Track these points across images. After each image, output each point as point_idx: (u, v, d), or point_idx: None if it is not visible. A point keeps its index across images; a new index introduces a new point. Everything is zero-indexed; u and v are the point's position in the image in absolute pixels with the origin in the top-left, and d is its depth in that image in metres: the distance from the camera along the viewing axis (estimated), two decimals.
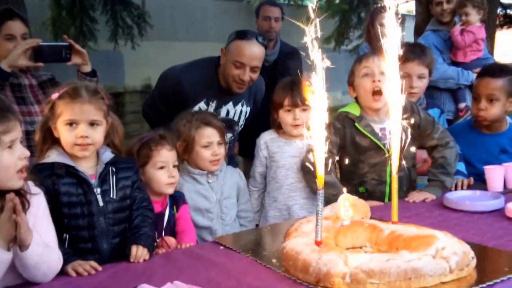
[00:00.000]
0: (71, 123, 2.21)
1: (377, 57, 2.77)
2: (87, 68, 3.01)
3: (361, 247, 2.04)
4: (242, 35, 3.41)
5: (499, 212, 2.59)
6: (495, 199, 2.70)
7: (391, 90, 2.06)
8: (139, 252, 2.15)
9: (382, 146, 2.93)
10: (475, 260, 1.82)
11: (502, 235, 2.27)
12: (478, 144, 3.41)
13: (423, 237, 1.88)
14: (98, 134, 2.26)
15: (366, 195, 2.96)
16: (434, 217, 2.61)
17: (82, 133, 2.21)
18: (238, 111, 3.61)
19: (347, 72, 3.08)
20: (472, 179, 3.22)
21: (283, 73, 3.68)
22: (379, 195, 3.00)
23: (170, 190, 2.64)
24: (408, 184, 3.10)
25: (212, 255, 2.18)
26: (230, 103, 3.57)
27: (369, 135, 2.95)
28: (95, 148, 2.29)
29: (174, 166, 2.64)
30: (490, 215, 2.58)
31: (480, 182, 3.25)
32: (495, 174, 3.08)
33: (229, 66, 3.37)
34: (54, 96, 2.24)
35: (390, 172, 2.81)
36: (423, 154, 3.35)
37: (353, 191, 2.92)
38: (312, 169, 1.87)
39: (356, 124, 2.97)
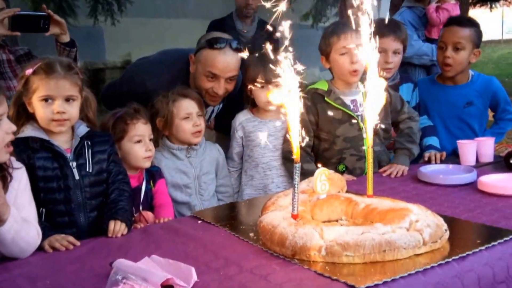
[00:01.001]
0: (46, 99, 2.16)
1: (355, 33, 2.72)
2: (66, 38, 2.89)
3: (337, 220, 2.02)
4: (213, 43, 2.97)
5: (472, 186, 2.59)
6: (467, 173, 2.70)
7: (367, 66, 2.03)
8: (117, 227, 2.12)
9: (355, 117, 2.90)
10: (448, 233, 1.81)
11: (474, 208, 2.26)
12: (442, 97, 3.45)
13: (397, 210, 1.86)
14: (74, 109, 2.21)
15: (346, 173, 2.94)
16: (408, 190, 2.60)
17: (59, 108, 2.16)
18: (209, 112, 3.33)
19: None
20: (444, 153, 3.22)
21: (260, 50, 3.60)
22: (360, 172, 2.97)
23: (147, 164, 2.60)
24: (387, 158, 3.09)
25: (189, 229, 2.15)
26: None
27: (340, 107, 2.92)
28: (71, 123, 2.24)
29: (150, 140, 2.60)
30: (463, 188, 2.58)
31: (452, 155, 3.27)
32: (468, 149, 3.08)
33: (200, 78, 3.01)
34: (28, 71, 2.17)
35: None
36: None
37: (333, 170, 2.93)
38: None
39: (326, 99, 2.94)
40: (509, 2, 14.61)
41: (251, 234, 2.00)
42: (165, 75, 3.09)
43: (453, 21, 3.46)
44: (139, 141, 2.56)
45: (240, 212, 2.46)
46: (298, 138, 1.85)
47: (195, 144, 2.87)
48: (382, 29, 3.14)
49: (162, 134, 2.83)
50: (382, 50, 3.14)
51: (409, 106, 3.19)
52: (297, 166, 1.83)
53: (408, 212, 1.81)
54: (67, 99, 2.18)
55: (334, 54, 2.90)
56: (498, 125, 3.51)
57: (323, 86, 2.99)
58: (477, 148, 3.10)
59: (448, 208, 2.27)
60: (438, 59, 3.47)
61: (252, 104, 3.09)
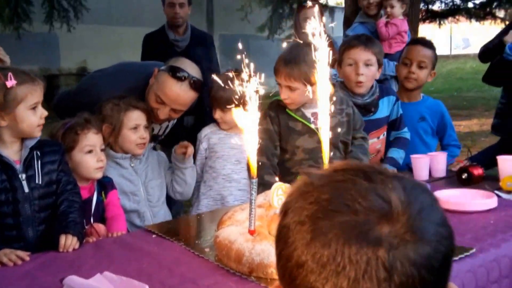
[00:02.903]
0: (35, 107, 2.11)
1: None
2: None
3: None
4: (174, 72, 2.82)
5: None
6: None
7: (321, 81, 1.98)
8: (68, 241, 2.01)
9: (315, 130, 2.87)
10: None
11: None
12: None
13: None
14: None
15: None
16: None
17: (45, 113, 2.15)
18: (164, 127, 3.20)
19: None
20: (395, 170, 3.20)
21: (194, 61, 3.47)
22: None
23: (99, 175, 2.49)
24: None
25: (143, 243, 2.06)
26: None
27: (300, 119, 2.87)
28: None
29: (101, 150, 2.50)
30: None
31: (407, 170, 3.26)
32: (421, 163, 3.07)
33: (150, 95, 2.87)
34: (11, 83, 2.03)
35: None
36: (376, 145, 3.32)
37: (291, 181, 2.88)
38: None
39: (287, 110, 2.89)
40: (457, 19, 15.12)
41: (207, 250, 1.92)
42: (120, 90, 2.93)
43: (418, 41, 3.64)
44: (90, 152, 2.45)
45: (196, 226, 2.37)
46: (255, 155, 1.79)
47: (138, 155, 2.80)
48: (350, 41, 3.15)
49: (106, 142, 2.72)
50: (353, 62, 3.12)
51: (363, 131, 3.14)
52: (254, 181, 1.77)
53: None
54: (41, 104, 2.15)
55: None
56: (448, 151, 3.52)
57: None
58: (429, 163, 3.11)
59: None
60: (401, 74, 3.53)
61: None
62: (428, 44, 3.54)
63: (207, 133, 3.01)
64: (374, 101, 3.26)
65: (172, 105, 2.84)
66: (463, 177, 2.95)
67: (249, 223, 1.79)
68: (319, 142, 2.87)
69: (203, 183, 2.99)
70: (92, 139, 2.47)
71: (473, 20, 14.11)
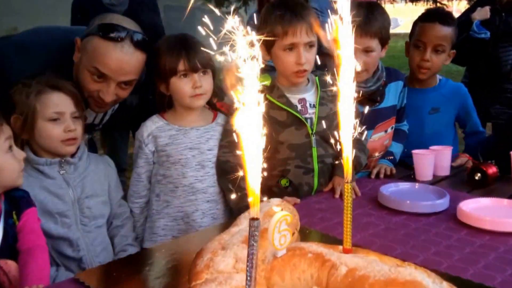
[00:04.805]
0: None
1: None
2: None
3: None
4: (107, 31, 2.07)
5: (446, 214, 1.96)
6: (440, 197, 2.05)
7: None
8: None
9: (303, 120, 2.18)
10: None
11: (472, 255, 1.61)
12: (407, 100, 2.78)
13: (401, 284, 1.15)
14: None
15: (290, 190, 2.21)
16: (375, 223, 1.88)
17: None
18: (101, 114, 2.45)
19: None
20: (394, 169, 2.57)
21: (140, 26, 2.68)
22: (307, 190, 2.25)
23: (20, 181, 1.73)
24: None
25: None
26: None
27: (284, 106, 2.19)
28: None
29: (9, 148, 1.69)
30: (438, 218, 1.93)
31: (402, 166, 2.65)
32: (426, 161, 2.46)
33: (84, 74, 2.12)
34: None
35: (317, 156, 2.22)
36: (384, 140, 2.65)
37: (273, 186, 2.20)
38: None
39: (268, 96, 2.19)
40: (394, 0, 15.18)
41: None
42: (34, 63, 2.14)
43: (434, 17, 2.82)
44: None
45: (152, 269, 1.55)
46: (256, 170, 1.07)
47: (70, 155, 2.02)
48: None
49: (21, 139, 1.93)
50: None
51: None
52: (256, 224, 1.04)
53: None
54: None
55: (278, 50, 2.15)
56: (471, 139, 2.94)
57: (265, 80, 2.22)
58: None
59: (440, 256, 1.60)
60: (412, 59, 2.84)
61: (166, 105, 2.25)
62: (447, 20, 2.79)
63: (152, 130, 2.20)
64: (380, 88, 2.57)
65: (117, 77, 2.09)
66: (476, 178, 2.39)
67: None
68: (308, 136, 2.21)
69: (155, 198, 2.22)
70: None
71: (408, 2, 14.24)
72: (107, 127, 2.70)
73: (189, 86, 2.12)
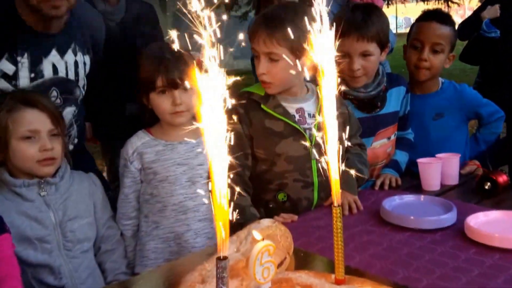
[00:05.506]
0: None
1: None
2: None
3: None
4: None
5: (453, 229, 1.81)
6: (447, 211, 1.90)
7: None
8: None
9: (302, 131, 2.04)
10: None
11: (482, 277, 1.46)
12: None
13: None
14: None
15: (288, 205, 2.08)
16: (377, 241, 1.74)
17: None
18: (71, 63, 2.18)
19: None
20: (399, 179, 2.42)
21: (135, 41, 2.62)
22: (307, 204, 2.11)
23: None
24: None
25: None
26: (54, 52, 2.10)
27: (281, 117, 2.05)
28: None
29: None
30: (444, 234, 1.78)
31: (408, 175, 2.50)
32: (432, 171, 2.31)
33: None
34: None
35: (317, 169, 2.08)
36: (387, 148, 2.51)
37: (270, 200, 2.06)
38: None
39: (262, 106, 2.05)
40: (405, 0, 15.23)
41: None
42: None
43: (432, 16, 2.68)
44: None
45: None
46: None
47: (44, 176, 1.89)
48: (344, 26, 2.11)
49: None
50: (346, 55, 2.28)
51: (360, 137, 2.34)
52: (223, 264, 0.90)
53: None
54: None
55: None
56: (488, 129, 2.78)
57: (259, 90, 2.09)
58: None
59: (446, 280, 1.45)
60: (410, 60, 2.68)
61: (150, 121, 2.11)
62: (446, 19, 2.64)
63: (137, 146, 2.06)
64: (381, 93, 2.42)
65: None
66: (486, 187, 2.23)
67: None
68: (307, 148, 2.06)
69: (144, 219, 2.07)
70: None
71: (419, 1, 14.18)
72: (107, 136, 2.57)
73: (169, 103, 1.99)
